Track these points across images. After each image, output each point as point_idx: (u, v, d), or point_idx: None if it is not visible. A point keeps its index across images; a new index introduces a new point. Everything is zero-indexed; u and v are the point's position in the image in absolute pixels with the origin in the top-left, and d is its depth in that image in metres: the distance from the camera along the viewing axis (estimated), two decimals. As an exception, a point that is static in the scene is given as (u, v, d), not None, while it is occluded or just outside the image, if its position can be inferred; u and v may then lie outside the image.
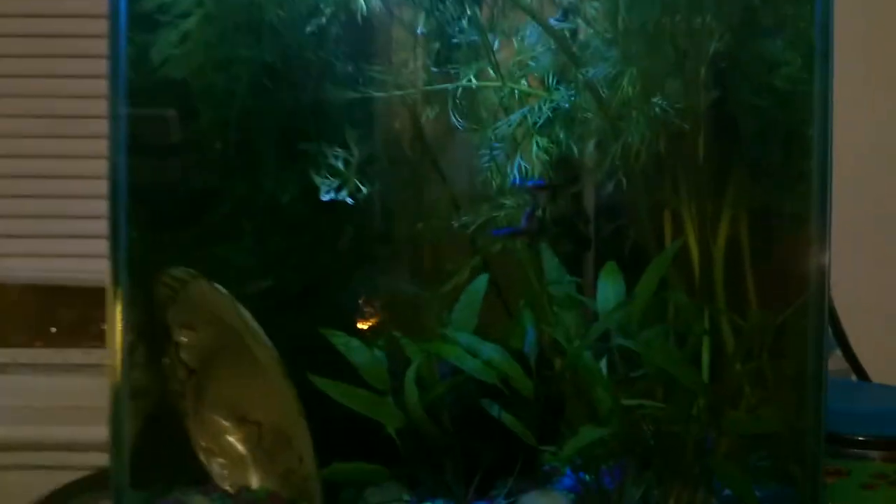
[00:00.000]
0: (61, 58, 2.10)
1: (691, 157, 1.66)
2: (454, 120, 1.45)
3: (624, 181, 1.63)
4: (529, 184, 1.56)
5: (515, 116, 1.41)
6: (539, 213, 1.66)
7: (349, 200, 1.30)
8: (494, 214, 1.61)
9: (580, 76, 1.36)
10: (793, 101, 1.62)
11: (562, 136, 1.52)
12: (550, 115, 1.46)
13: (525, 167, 1.56)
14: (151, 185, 1.36)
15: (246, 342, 1.36)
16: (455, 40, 1.45)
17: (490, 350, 1.40)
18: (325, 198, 1.29)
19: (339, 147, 1.29)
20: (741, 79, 1.63)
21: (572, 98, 1.41)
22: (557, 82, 1.44)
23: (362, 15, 1.32)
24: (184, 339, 1.44)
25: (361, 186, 1.28)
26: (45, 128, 2.10)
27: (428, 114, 1.47)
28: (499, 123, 1.42)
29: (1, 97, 2.12)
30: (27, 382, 2.08)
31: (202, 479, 1.48)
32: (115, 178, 1.26)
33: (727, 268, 1.68)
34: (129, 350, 1.42)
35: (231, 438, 1.50)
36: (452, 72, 1.48)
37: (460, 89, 1.49)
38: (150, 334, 1.43)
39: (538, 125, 1.49)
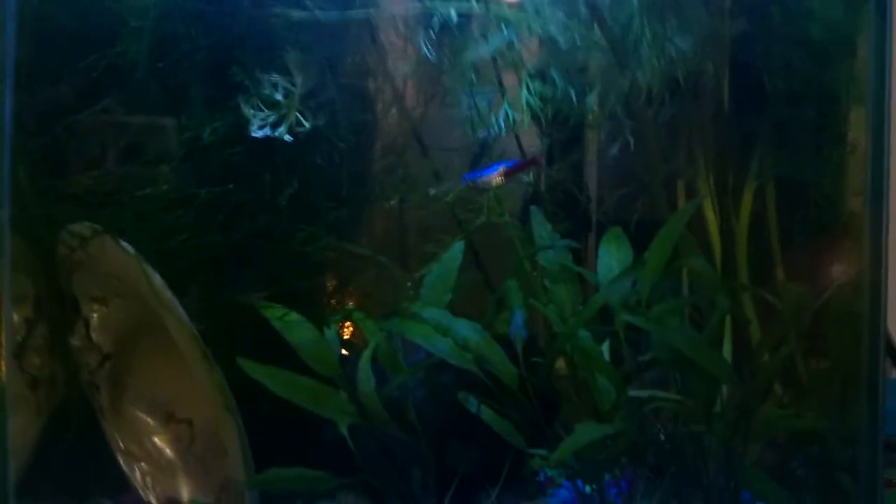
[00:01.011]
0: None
1: (713, 110, 1.41)
2: (425, 50, 1.20)
3: (631, 141, 1.40)
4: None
5: (495, 41, 1.16)
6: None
7: (288, 138, 1.04)
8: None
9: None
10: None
11: (557, 78, 1.27)
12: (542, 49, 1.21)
13: (513, 117, 1.31)
14: (47, 122, 1.11)
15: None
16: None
17: (464, 329, 1.14)
18: (258, 134, 1.03)
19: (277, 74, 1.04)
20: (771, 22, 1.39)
21: (567, 19, 1.16)
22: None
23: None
24: (94, 316, 1.19)
25: (304, 121, 1.03)
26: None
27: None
28: (477, 49, 1.17)
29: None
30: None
31: (122, 488, 1.23)
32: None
33: (753, 250, 1.44)
34: (26, 328, 1.17)
35: (157, 440, 1.26)
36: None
37: (437, 22, 1.24)
38: (51, 309, 1.18)
39: (532, 69, 1.24)
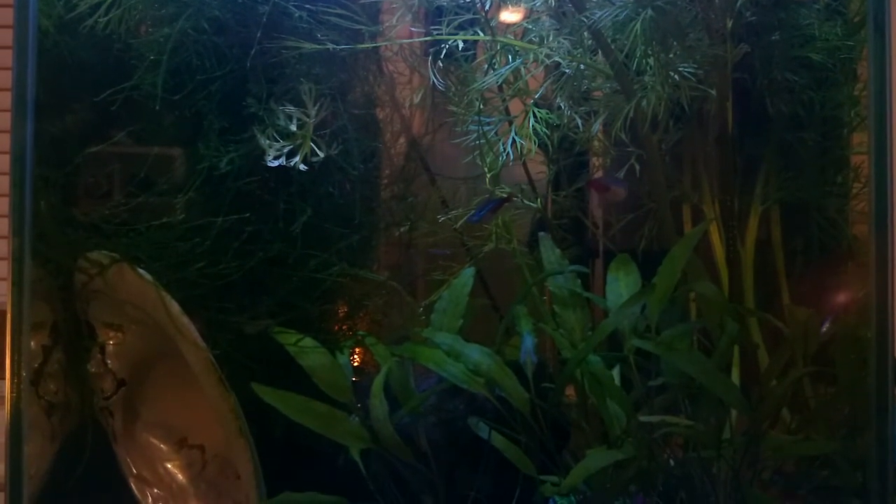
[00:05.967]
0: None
1: (717, 134, 1.43)
2: (434, 78, 1.22)
3: (637, 167, 1.42)
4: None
5: (503, 70, 1.18)
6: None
7: (303, 167, 1.06)
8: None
9: (583, 20, 1.12)
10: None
11: (563, 105, 1.29)
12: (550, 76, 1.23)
13: (521, 143, 1.33)
14: (66, 152, 1.13)
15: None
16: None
17: (476, 353, 1.15)
18: (274, 164, 1.05)
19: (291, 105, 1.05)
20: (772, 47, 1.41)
21: (574, 50, 1.18)
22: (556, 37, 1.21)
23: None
24: (110, 342, 1.20)
25: (318, 150, 1.04)
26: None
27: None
28: (486, 79, 1.19)
29: None
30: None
31: (134, 514, 1.23)
32: (19, 146, 1.03)
33: (759, 274, 1.44)
34: (43, 355, 1.18)
35: (169, 465, 1.26)
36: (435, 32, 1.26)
37: (444, 51, 1.27)
38: (68, 336, 1.19)
39: (537, 94, 1.27)
